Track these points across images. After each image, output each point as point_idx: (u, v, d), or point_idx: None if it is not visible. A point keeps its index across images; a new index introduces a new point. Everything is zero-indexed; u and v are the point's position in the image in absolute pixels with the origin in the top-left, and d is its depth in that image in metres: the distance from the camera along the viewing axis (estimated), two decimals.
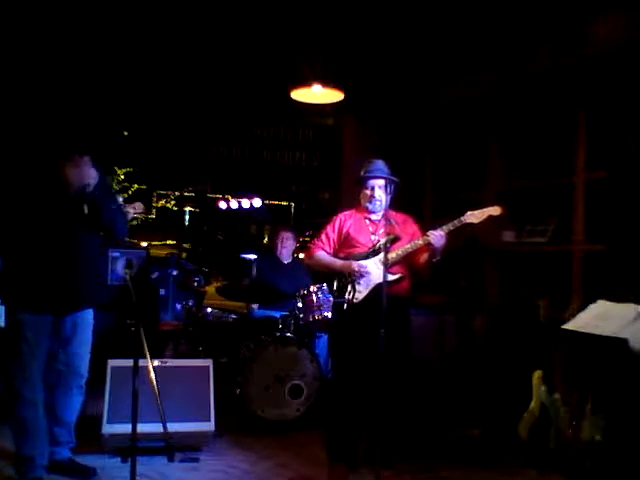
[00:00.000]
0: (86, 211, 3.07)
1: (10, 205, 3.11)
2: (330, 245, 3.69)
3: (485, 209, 3.41)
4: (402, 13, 4.30)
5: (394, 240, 3.46)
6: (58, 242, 3.10)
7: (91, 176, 3.09)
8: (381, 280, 3.30)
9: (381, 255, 3.38)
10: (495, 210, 3.42)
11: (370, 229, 3.60)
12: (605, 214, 3.92)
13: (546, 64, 4.17)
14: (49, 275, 3.08)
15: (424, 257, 3.50)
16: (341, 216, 3.72)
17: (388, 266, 3.27)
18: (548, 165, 4.50)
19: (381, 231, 3.54)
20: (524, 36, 4.29)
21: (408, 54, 4.89)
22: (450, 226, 3.38)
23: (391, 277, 3.39)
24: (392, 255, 3.41)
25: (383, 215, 3.58)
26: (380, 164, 3.64)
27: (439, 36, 4.57)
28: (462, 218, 3.39)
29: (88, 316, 3.29)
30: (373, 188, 3.56)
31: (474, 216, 3.40)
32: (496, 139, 4.88)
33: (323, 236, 3.72)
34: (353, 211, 3.72)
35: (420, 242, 3.42)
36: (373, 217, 3.63)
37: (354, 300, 3.51)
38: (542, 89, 4.39)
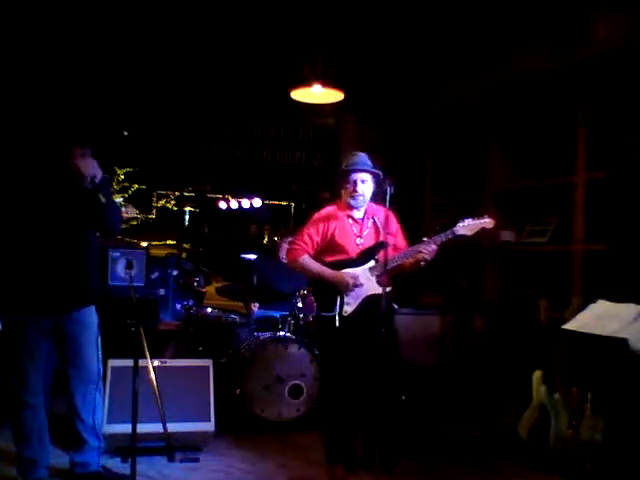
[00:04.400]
0: (103, 200, 2.97)
1: (6, 203, 3.02)
2: (313, 247, 3.50)
3: (478, 221, 3.32)
4: (402, 13, 4.30)
5: (381, 246, 3.37)
6: (48, 240, 3.02)
7: (96, 167, 2.99)
8: (371, 292, 3.36)
9: (370, 264, 3.37)
10: (488, 223, 3.32)
11: (354, 230, 3.46)
12: (605, 214, 3.92)
13: (546, 64, 4.16)
14: (41, 275, 3.01)
15: (410, 262, 3.40)
16: (324, 214, 3.53)
17: (384, 274, 3.24)
18: (548, 165, 4.50)
19: (365, 232, 3.45)
20: (524, 36, 4.30)
21: (408, 54, 4.90)
22: (442, 237, 3.30)
23: (380, 290, 3.28)
24: (382, 265, 3.32)
25: (366, 213, 3.48)
26: (364, 157, 3.49)
27: (439, 36, 4.57)
28: (454, 229, 3.30)
29: (88, 314, 3.20)
30: (355, 182, 3.41)
31: (466, 228, 3.30)
32: (496, 139, 4.88)
33: (305, 237, 3.50)
34: (335, 208, 3.55)
35: (413, 253, 3.34)
36: (356, 215, 3.48)
37: (343, 314, 3.40)
38: (542, 89, 4.39)
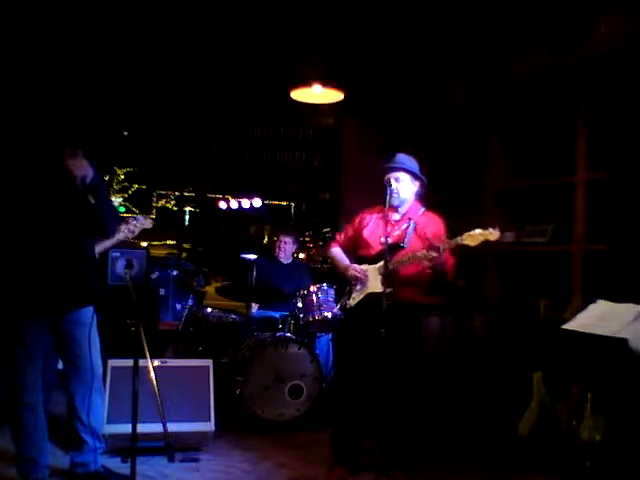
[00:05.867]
0: (93, 201, 2.97)
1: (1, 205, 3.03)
2: (346, 241, 3.72)
3: (484, 232, 3.24)
4: (401, 12, 4.29)
5: (396, 248, 3.39)
6: (44, 241, 3.02)
7: (87, 168, 2.97)
8: (372, 290, 3.41)
9: (381, 263, 3.34)
10: (493, 235, 3.24)
11: (387, 230, 3.43)
12: (605, 214, 3.92)
13: (547, 63, 4.16)
14: (38, 276, 3.00)
15: (425, 266, 3.37)
16: (364, 213, 3.68)
17: (384, 274, 3.24)
18: (548, 165, 4.50)
19: (396, 233, 3.47)
20: (524, 35, 4.29)
21: (408, 54, 4.89)
22: (445, 246, 3.25)
23: (382, 289, 3.27)
24: (389, 266, 3.30)
25: (405, 214, 3.52)
26: (400, 157, 3.55)
27: (438, 35, 4.56)
28: (458, 239, 3.25)
29: (87, 315, 3.18)
30: (389, 180, 3.49)
31: (471, 238, 3.23)
32: (496, 139, 4.88)
33: (343, 231, 3.77)
34: (376, 209, 3.62)
35: (414, 257, 3.32)
36: (393, 216, 3.52)
37: (347, 306, 3.55)
38: (542, 89, 4.39)
